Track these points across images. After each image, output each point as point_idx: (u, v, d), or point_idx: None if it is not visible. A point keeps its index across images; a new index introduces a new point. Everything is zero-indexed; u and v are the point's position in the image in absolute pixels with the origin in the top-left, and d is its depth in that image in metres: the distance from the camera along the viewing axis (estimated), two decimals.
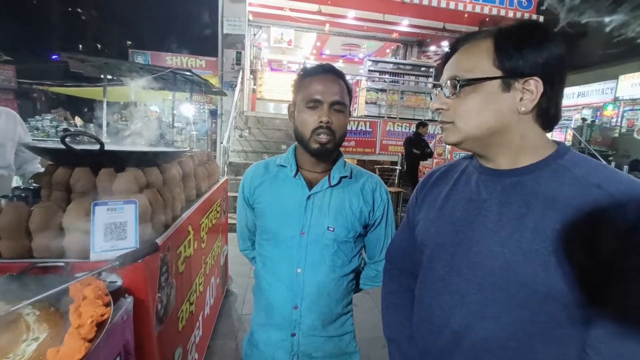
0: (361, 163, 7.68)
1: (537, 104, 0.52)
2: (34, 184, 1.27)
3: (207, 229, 1.72)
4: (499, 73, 0.52)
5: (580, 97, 12.30)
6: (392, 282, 0.79)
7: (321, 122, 0.80)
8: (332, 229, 0.85)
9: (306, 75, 0.84)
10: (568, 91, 12.69)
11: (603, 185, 0.48)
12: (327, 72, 0.83)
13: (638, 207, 0.45)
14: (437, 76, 8.18)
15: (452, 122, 0.58)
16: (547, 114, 0.54)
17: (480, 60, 0.54)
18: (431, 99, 8.16)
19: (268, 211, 0.90)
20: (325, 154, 0.85)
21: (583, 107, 12.13)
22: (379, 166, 5.58)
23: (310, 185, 0.88)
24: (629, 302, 0.45)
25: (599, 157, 7.63)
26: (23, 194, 1.18)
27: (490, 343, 0.53)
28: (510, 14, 7.05)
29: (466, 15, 6.92)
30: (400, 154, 6.03)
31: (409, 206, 0.77)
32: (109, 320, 0.61)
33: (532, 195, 0.53)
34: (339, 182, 0.88)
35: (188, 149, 1.63)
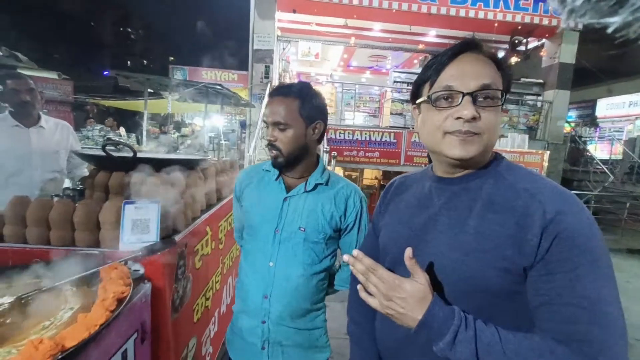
0: (386, 174, 7.64)
1: None
2: (80, 186, 1.48)
3: (225, 231, 1.86)
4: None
5: (632, 107, 11.34)
6: (357, 282, 0.85)
7: (268, 139, 0.94)
8: (303, 229, 0.94)
9: (268, 97, 0.99)
10: (618, 100, 11.73)
11: (529, 188, 0.55)
12: (274, 95, 0.95)
13: (553, 208, 0.51)
14: None
15: (480, 133, 0.57)
16: None
17: (497, 77, 0.58)
18: None
19: (251, 209, 1.02)
20: (279, 166, 0.97)
21: (636, 118, 11.17)
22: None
23: (289, 189, 0.98)
24: (562, 294, 0.49)
25: None
26: (71, 194, 1.38)
27: None
28: (545, 22, 6.77)
29: (496, 24, 6.76)
30: (424, 165, 5.96)
31: (374, 214, 0.83)
32: (128, 298, 0.74)
33: (475, 200, 0.59)
34: (314, 188, 0.97)
35: (210, 157, 1.79)
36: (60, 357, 0.52)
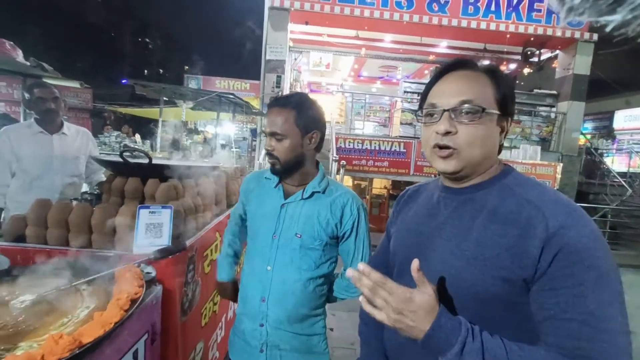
0: (395, 184, 7.59)
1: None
2: (97, 190, 1.54)
3: None
4: (497, 109, 0.60)
5: None
6: None
7: (267, 149, 0.98)
8: (299, 236, 0.97)
9: (267, 107, 1.02)
10: (637, 112, 11.37)
11: (534, 200, 0.56)
12: (271, 106, 0.99)
13: (557, 219, 0.52)
14: None
15: (456, 148, 0.59)
16: (503, 145, 0.65)
17: (486, 93, 0.60)
18: None
19: (251, 214, 1.06)
20: (277, 173, 1.01)
21: None
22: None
23: (288, 196, 1.02)
24: (564, 308, 0.50)
25: None
26: (89, 198, 1.44)
27: None
28: (559, 33, 6.71)
29: (508, 36, 6.75)
30: (434, 175, 5.92)
31: (388, 221, 0.85)
32: (141, 298, 0.77)
33: (479, 210, 0.60)
34: (311, 195, 1.00)
35: (221, 164, 1.84)
36: (77, 352, 0.55)
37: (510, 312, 0.55)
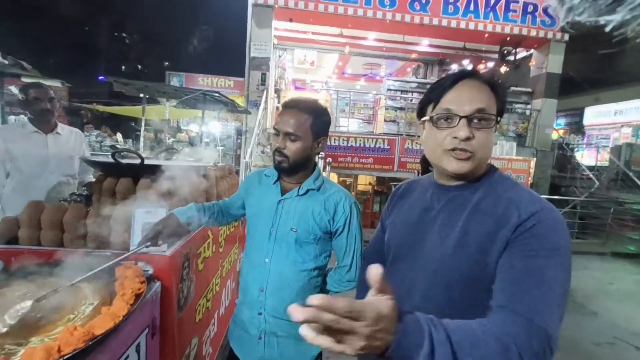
0: (380, 180, 7.74)
1: None
2: (85, 191, 1.55)
3: (224, 235, 1.93)
4: (496, 116, 0.67)
5: (618, 115, 11.68)
6: (364, 274, 0.95)
7: (278, 146, 1.02)
8: (294, 230, 1.03)
9: (282, 107, 1.07)
10: (604, 109, 12.08)
11: (512, 196, 0.65)
12: (288, 107, 1.05)
13: (528, 210, 0.61)
14: None
15: (473, 152, 0.65)
16: None
17: (491, 102, 0.67)
18: None
19: (250, 210, 1.13)
20: (282, 171, 1.06)
21: (622, 125, 11.52)
22: (395, 183, 5.66)
23: (285, 193, 1.08)
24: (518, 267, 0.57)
25: (637, 180, 7.14)
26: (78, 199, 1.45)
27: None
28: (533, 33, 7.01)
29: (486, 35, 6.99)
30: (416, 171, 6.09)
31: (382, 213, 0.93)
32: (143, 294, 0.81)
33: (466, 205, 0.69)
34: (306, 192, 1.07)
35: (211, 164, 1.87)
36: (91, 343, 0.60)
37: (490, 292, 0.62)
